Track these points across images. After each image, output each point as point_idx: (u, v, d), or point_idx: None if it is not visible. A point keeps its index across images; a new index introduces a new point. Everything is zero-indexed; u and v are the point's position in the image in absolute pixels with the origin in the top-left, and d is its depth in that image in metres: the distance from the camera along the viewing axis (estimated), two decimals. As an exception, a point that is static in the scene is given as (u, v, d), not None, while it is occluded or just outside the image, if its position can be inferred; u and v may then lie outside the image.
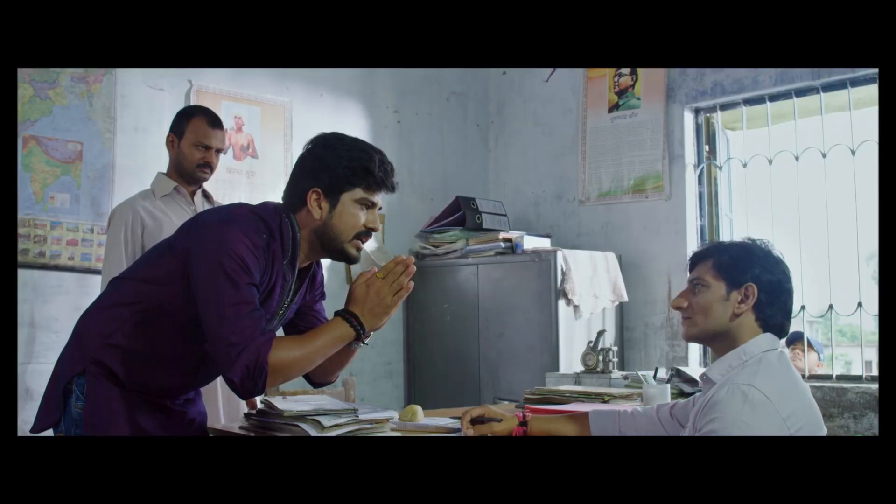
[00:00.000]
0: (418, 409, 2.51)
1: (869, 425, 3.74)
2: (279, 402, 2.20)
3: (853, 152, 4.01)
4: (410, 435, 2.29)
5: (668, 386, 2.87)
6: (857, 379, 3.94)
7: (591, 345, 3.79)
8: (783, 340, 1.99)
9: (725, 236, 4.49)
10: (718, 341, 1.93)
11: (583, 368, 3.77)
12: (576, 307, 4.28)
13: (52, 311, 3.47)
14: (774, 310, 1.91)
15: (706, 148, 4.56)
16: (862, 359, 4.13)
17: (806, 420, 1.78)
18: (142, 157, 3.74)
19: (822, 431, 1.83)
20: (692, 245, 4.45)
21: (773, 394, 1.75)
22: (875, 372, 3.89)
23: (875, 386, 3.78)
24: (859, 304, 3.96)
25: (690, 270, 2.00)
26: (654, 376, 3.15)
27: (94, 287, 3.55)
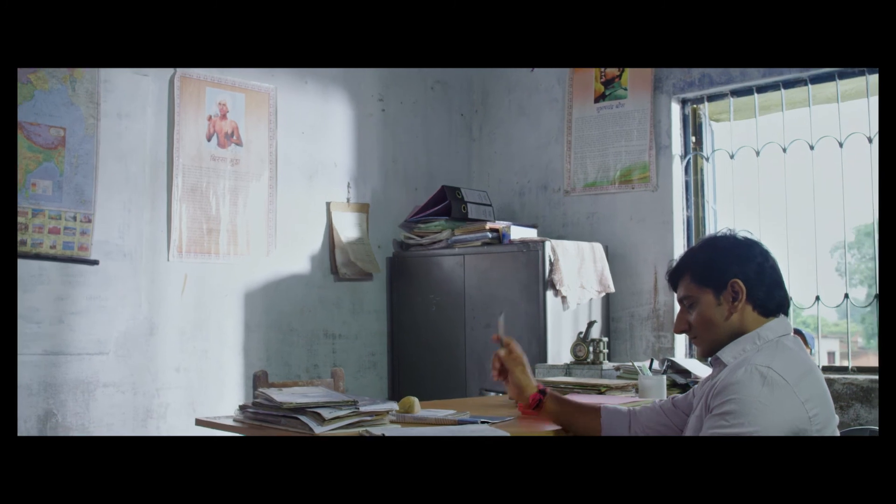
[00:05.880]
0: (415, 400, 2.49)
1: (855, 416, 3.77)
2: (276, 394, 2.17)
3: (841, 144, 4.02)
4: (410, 434, 2.26)
5: (664, 377, 2.87)
6: (844, 370, 3.96)
7: (582, 335, 3.78)
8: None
9: (711, 227, 4.50)
10: (730, 341, 1.93)
11: (572, 359, 3.77)
12: (563, 298, 4.26)
13: (33, 301, 3.39)
14: (765, 291, 1.91)
15: (693, 139, 4.56)
16: (849, 350, 4.16)
17: (822, 406, 1.78)
18: (126, 144, 3.67)
19: (836, 420, 1.83)
20: (679, 236, 4.46)
21: (792, 377, 1.75)
22: (842, 363, 3.91)
23: (861, 377, 3.81)
24: (846, 296, 3.98)
25: (674, 290, 2.02)
26: (650, 367, 3.15)
27: (76, 276, 3.48)
